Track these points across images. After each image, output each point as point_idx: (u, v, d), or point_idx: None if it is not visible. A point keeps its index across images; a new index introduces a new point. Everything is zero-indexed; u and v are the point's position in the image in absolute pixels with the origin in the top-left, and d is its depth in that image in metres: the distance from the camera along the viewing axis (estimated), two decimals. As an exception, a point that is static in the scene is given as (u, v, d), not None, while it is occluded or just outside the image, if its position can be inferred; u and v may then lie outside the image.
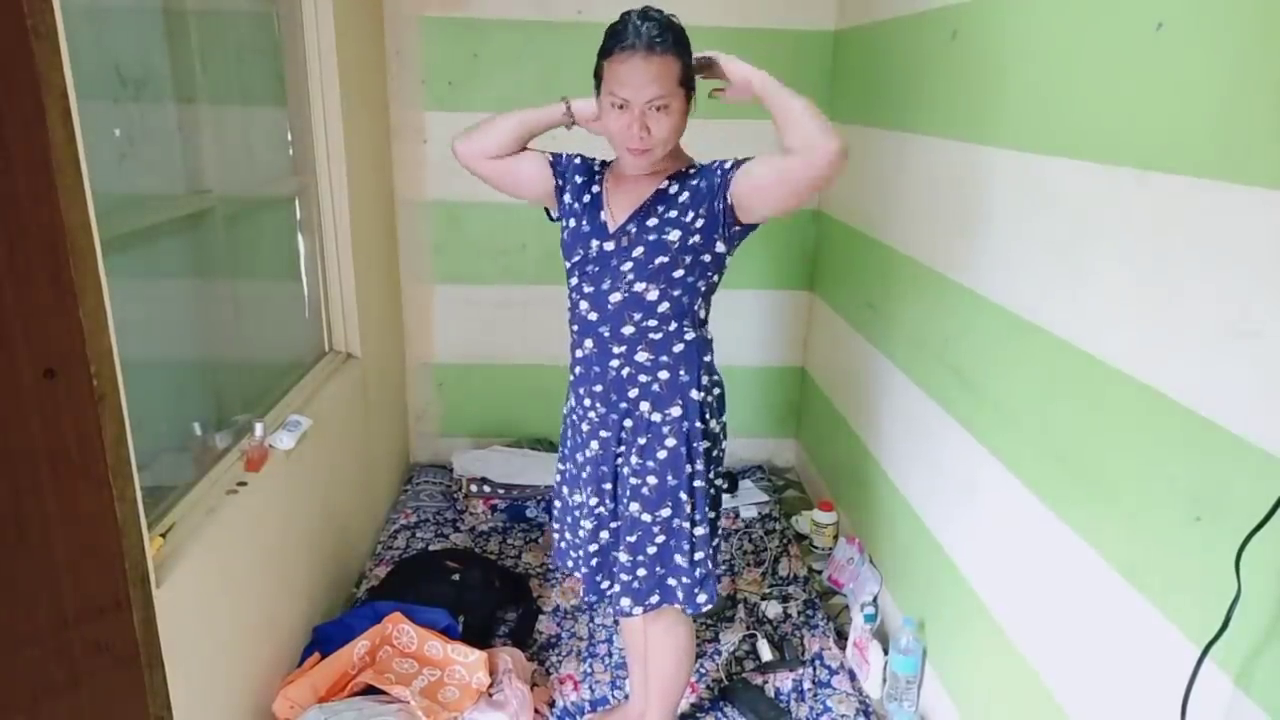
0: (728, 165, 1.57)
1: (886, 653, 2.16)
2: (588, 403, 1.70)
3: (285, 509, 2.06)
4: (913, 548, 2.21)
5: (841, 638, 2.40)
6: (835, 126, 1.45)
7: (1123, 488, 1.37)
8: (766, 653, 2.32)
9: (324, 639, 2.14)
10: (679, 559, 1.70)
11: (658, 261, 1.57)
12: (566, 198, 1.68)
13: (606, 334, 1.63)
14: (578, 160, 1.71)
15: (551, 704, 2.14)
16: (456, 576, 2.46)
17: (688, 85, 1.53)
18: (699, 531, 1.69)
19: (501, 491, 3.05)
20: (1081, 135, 1.49)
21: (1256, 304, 1.10)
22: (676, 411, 1.64)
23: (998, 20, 1.81)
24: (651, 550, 1.69)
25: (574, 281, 1.66)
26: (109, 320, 1.09)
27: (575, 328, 1.70)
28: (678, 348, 1.63)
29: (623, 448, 1.69)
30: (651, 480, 1.66)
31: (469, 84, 3.01)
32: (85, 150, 1.06)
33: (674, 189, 1.59)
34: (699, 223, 1.56)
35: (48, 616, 0.77)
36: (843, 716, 2.14)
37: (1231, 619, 1.08)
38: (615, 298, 1.60)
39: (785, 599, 2.57)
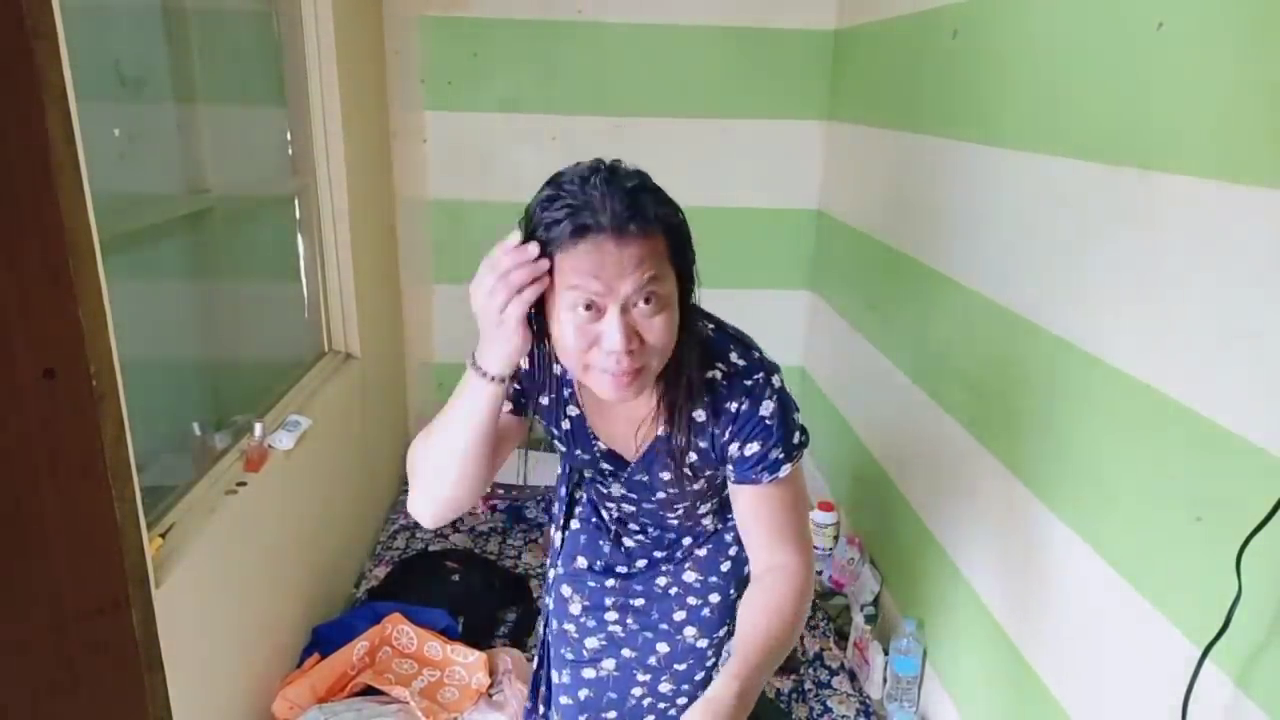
0: (733, 451, 1.11)
1: (887, 653, 2.16)
2: (634, 526, 1.37)
3: (284, 509, 2.06)
4: (913, 548, 2.21)
5: (842, 638, 2.40)
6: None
7: (1123, 488, 1.37)
8: (766, 653, 2.32)
9: (323, 639, 2.14)
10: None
11: (681, 505, 1.27)
12: (538, 419, 1.22)
13: (648, 511, 1.31)
14: (524, 372, 1.15)
15: (551, 704, 2.14)
16: (456, 577, 2.46)
17: (679, 263, 1.00)
18: None
19: (501, 492, 3.05)
20: (1082, 135, 1.48)
21: (1256, 304, 1.10)
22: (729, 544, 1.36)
23: (998, 20, 1.81)
24: (699, 677, 1.40)
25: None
26: (109, 320, 1.09)
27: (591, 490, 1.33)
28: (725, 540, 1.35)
29: (671, 563, 1.38)
30: (714, 599, 1.37)
31: (469, 84, 3.01)
32: (85, 150, 1.06)
33: (678, 438, 1.12)
34: (710, 472, 1.20)
35: (46, 617, 0.77)
36: (843, 717, 2.13)
37: (1232, 619, 1.08)
38: (654, 498, 1.27)
39: (785, 599, 2.57)
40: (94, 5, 1.55)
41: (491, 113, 3.03)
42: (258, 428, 1.95)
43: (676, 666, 1.40)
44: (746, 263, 3.24)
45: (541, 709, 1.53)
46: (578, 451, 1.22)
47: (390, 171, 3.06)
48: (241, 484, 1.82)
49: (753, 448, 1.10)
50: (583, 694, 1.44)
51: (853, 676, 2.27)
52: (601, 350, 0.96)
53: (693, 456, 1.14)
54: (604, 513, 1.39)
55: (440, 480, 1.08)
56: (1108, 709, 1.41)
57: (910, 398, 2.24)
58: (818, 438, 3.38)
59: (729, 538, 1.35)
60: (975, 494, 1.87)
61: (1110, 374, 1.39)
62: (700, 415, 1.10)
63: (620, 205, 0.92)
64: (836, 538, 2.79)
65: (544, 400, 1.17)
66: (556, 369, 1.13)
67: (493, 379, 1.01)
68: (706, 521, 1.34)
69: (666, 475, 1.17)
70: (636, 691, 1.42)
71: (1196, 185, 1.20)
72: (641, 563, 1.37)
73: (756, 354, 1.13)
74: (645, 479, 1.20)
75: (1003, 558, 1.76)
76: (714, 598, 1.37)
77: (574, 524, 1.42)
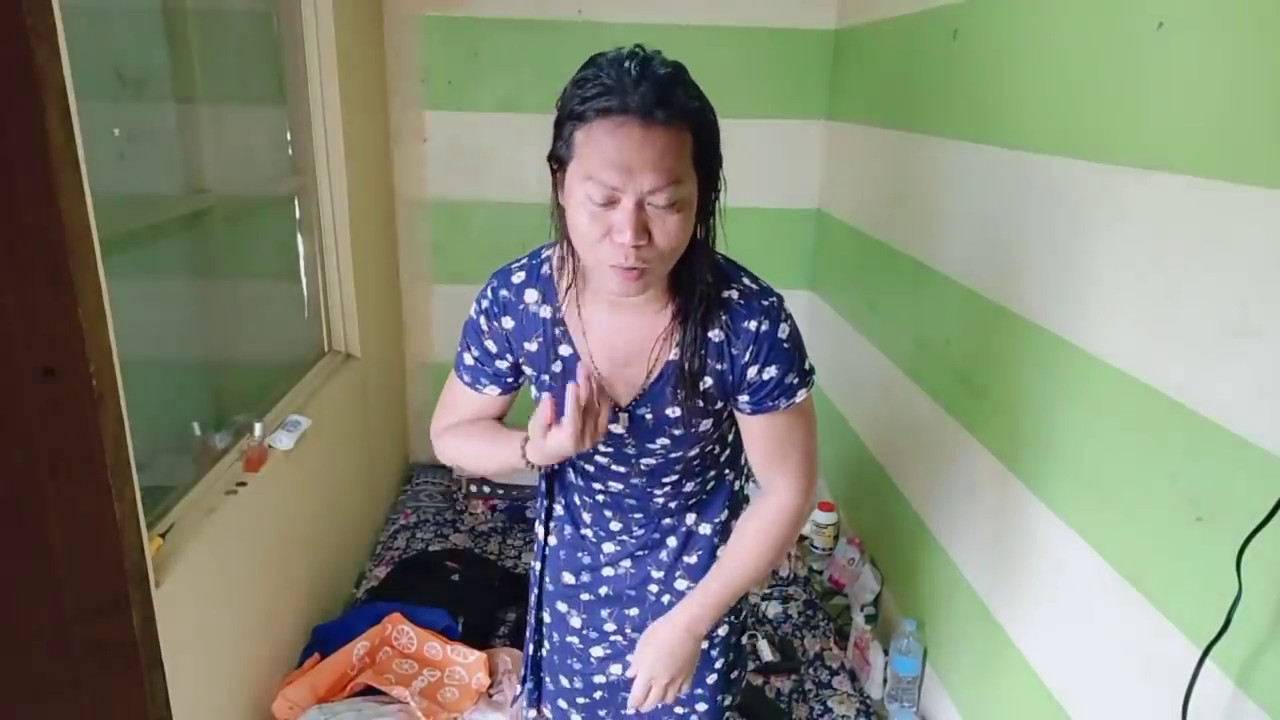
0: (751, 375, 1.10)
1: (887, 653, 2.16)
2: (616, 526, 1.33)
3: (284, 509, 2.06)
4: (913, 548, 2.21)
5: (842, 638, 2.40)
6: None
7: (1123, 488, 1.37)
8: (767, 653, 2.32)
9: (323, 639, 2.14)
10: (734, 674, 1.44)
11: (672, 473, 1.24)
12: (529, 371, 1.19)
13: (635, 487, 1.28)
14: (508, 309, 1.14)
15: (551, 704, 2.14)
16: (456, 576, 2.46)
17: (704, 165, 1.00)
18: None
19: (501, 492, 3.05)
20: (1082, 134, 1.48)
21: (1256, 304, 1.10)
22: (725, 515, 1.34)
23: (998, 20, 1.81)
24: (711, 680, 1.39)
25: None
26: (109, 320, 1.09)
27: (581, 466, 1.29)
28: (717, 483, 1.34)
29: (661, 570, 1.35)
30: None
31: (469, 83, 3.01)
32: (85, 150, 1.06)
33: (688, 360, 1.09)
34: (718, 404, 1.16)
35: (46, 616, 0.77)
36: (843, 717, 2.14)
37: (1232, 619, 1.08)
38: (643, 465, 1.24)
39: (785, 599, 2.57)
40: (94, 5, 1.55)
41: (491, 113, 3.03)
42: (258, 428, 1.95)
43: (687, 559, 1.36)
44: (746, 263, 3.23)
45: (545, 709, 1.52)
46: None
47: (390, 171, 3.06)
48: (241, 484, 1.83)
49: (770, 371, 1.10)
50: (598, 695, 1.44)
51: (853, 676, 2.27)
52: (612, 241, 0.96)
53: (708, 381, 1.11)
54: (584, 514, 1.36)
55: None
56: (1107, 709, 1.41)
57: (910, 397, 2.25)
58: (818, 438, 3.37)
59: (716, 541, 1.33)
60: (975, 494, 1.87)
61: (1110, 374, 1.39)
62: (717, 336, 1.09)
63: (651, 90, 0.92)
64: (836, 538, 2.79)
65: (530, 346, 1.15)
66: (545, 312, 1.13)
67: (533, 466, 1.12)
68: (690, 520, 1.32)
69: (674, 411, 1.14)
70: None
71: (1196, 185, 1.20)
72: (626, 563, 1.35)
73: (764, 282, 1.15)
74: (649, 417, 1.15)
75: (1003, 558, 1.76)
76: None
77: (551, 539, 1.40)
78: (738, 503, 1.36)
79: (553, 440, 1.03)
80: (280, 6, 2.31)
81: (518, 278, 1.15)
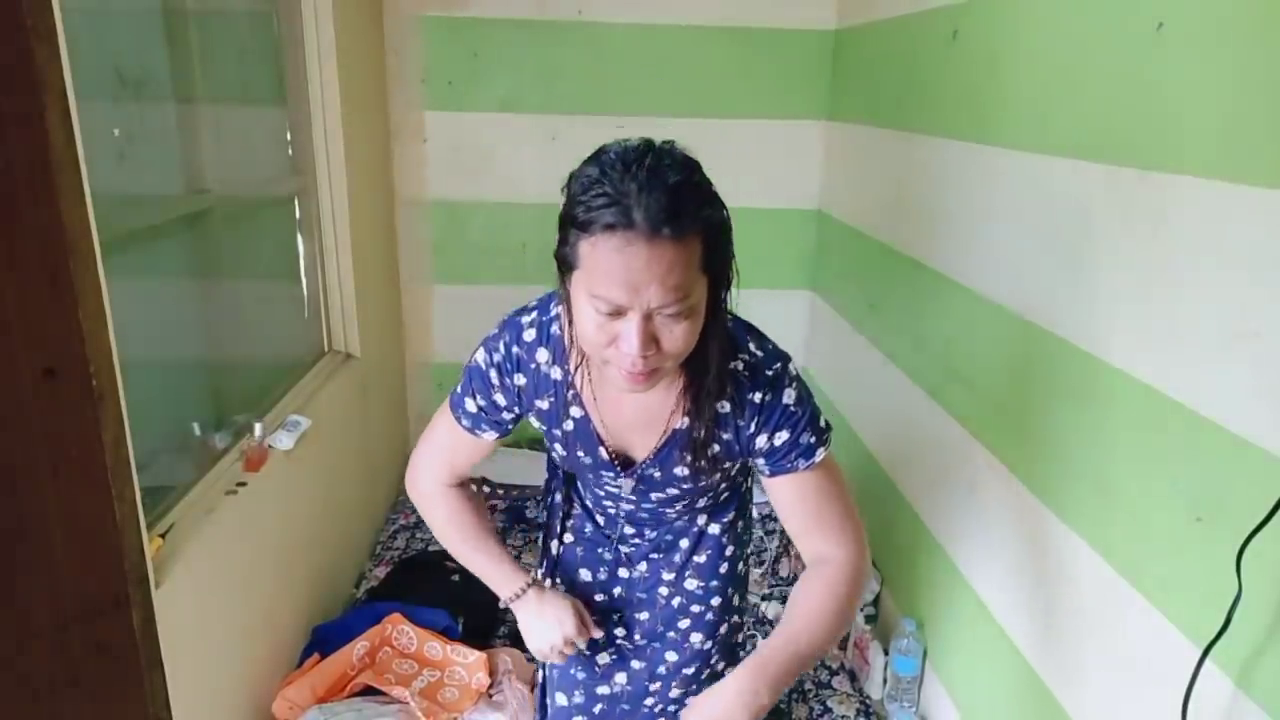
0: (761, 443, 1.11)
1: (887, 653, 2.16)
2: (629, 531, 1.36)
3: (284, 509, 2.06)
4: (913, 548, 2.21)
5: (842, 638, 2.40)
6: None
7: (1123, 488, 1.37)
8: (766, 653, 2.32)
9: (323, 639, 2.14)
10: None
11: (691, 500, 1.26)
12: (535, 422, 1.20)
13: (647, 509, 1.29)
14: (521, 366, 1.14)
15: (551, 704, 2.14)
16: (456, 577, 2.46)
17: (714, 266, 0.98)
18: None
19: (501, 492, 3.05)
20: (1082, 135, 1.48)
21: (1256, 304, 1.10)
22: (733, 514, 1.36)
23: (999, 20, 1.81)
24: (705, 675, 1.41)
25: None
26: (109, 320, 1.09)
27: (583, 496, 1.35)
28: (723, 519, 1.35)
29: (672, 572, 1.37)
30: (716, 602, 1.38)
31: (469, 84, 3.01)
32: (85, 150, 1.06)
33: (697, 430, 1.10)
34: (728, 464, 1.20)
35: (46, 616, 0.77)
36: (843, 717, 2.14)
37: (1232, 619, 1.08)
38: (654, 497, 1.25)
39: (785, 599, 2.57)
40: (94, 5, 1.55)
41: (491, 113, 3.03)
42: (258, 428, 1.95)
43: (685, 671, 1.40)
44: (746, 263, 3.21)
45: None
46: (579, 454, 1.19)
47: (390, 171, 3.06)
48: (241, 484, 1.82)
49: (782, 435, 1.10)
50: (598, 708, 1.44)
51: (853, 676, 2.27)
52: (619, 349, 0.95)
53: (715, 448, 1.12)
54: (598, 517, 1.37)
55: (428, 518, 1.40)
56: (1107, 709, 1.41)
57: (910, 398, 2.25)
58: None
59: (725, 539, 1.35)
60: (975, 493, 1.87)
61: (1110, 374, 1.39)
62: (724, 406, 1.09)
63: (657, 205, 0.87)
64: (836, 538, 2.78)
65: (542, 405, 1.16)
66: (556, 373, 1.13)
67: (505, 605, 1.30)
68: (701, 521, 1.34)
69: (682, 470, 1.16)
70: (649, 701, 1.42)
71: (1197, 185, 1.20)
72: (642, 566, 1.37)
73: (770, 344, 1.14)
74: (658, 475, 1.17)
75: (1002, 557, 1.76)
76: (715, 601, 1.38)
77: (568, 537, 1.41)
78: (745, 503, 1.38)
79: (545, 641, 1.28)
80: (280, 6, 2.31)
81: (529, 335, 1.14)
